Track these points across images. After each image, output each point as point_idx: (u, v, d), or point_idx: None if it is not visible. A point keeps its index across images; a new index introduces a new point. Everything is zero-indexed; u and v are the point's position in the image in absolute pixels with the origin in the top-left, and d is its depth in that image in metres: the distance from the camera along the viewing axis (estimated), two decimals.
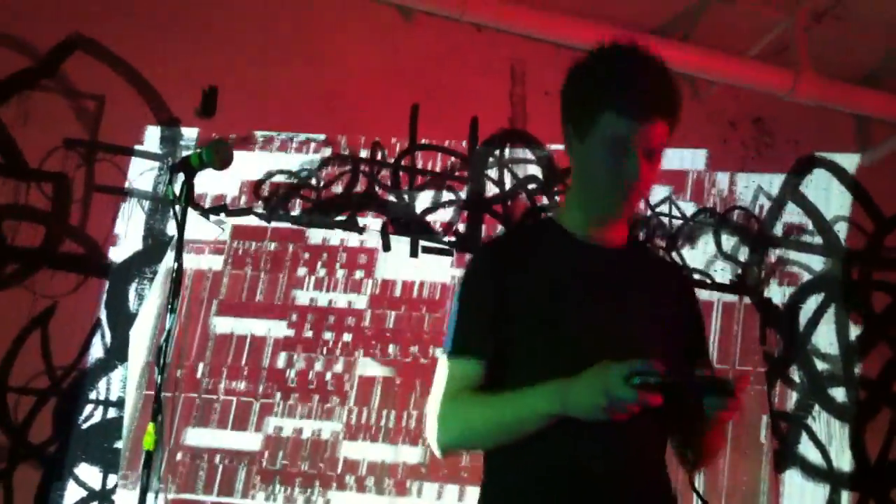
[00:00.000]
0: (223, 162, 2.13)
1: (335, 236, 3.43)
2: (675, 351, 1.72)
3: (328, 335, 3.34)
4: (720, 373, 1.72)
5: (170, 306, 1.94)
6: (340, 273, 3.42)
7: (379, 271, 3.42)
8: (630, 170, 1.67)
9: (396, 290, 3.41)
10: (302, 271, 3.41)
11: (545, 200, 3.49)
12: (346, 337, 3.35)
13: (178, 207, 2.08)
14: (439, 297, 3.40)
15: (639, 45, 1.73)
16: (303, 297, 3.38)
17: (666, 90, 1.70)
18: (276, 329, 3.34)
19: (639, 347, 1.65)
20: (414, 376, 3.31)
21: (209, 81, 3.48)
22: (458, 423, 1.70)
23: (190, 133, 3.48)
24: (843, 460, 3.40)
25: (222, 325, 3.33)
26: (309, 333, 3.35)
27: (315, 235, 3.44)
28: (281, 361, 3.31)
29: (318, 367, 3.32)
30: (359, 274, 3.42)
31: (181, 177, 2.13)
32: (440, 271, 3.41)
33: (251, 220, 3.43)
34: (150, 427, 1.90)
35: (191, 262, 3.31)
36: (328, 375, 3.31)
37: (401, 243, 3.43)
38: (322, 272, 3.42)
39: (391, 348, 3.35)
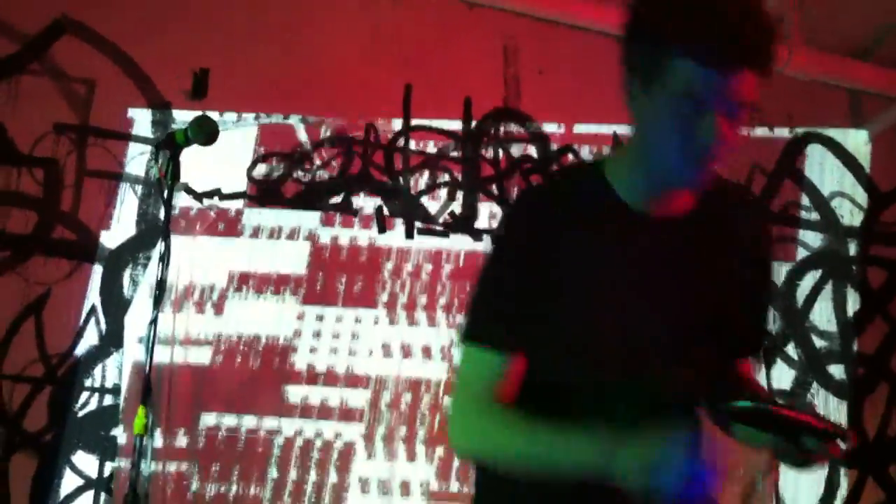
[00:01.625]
0: (208, 137, 2.11)
1: None
2: (725, 344, 1.52)
3: None
4: None
5: (156, 290, 1.92)
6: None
7: None
8: (706, 132, 1.37)
9: None
10: None
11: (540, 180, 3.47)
12: None
13: (164, 185, 2.04)
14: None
15: None
16: None
17: (760, 32, 1.36)
18: None
19: (678, 354, 1.46)
20: None
21: (200, 64, 3.45)
22: (483, 441, 1.49)
23: (181, 116, 3.44)
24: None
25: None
26: None
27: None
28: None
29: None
30: None
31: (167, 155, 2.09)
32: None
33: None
34: (140, 410, 1.88)
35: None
36: None
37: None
38: None
39: None
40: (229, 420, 3.21)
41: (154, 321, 1.93)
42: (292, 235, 3.40)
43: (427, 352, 3.30)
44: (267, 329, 3.30)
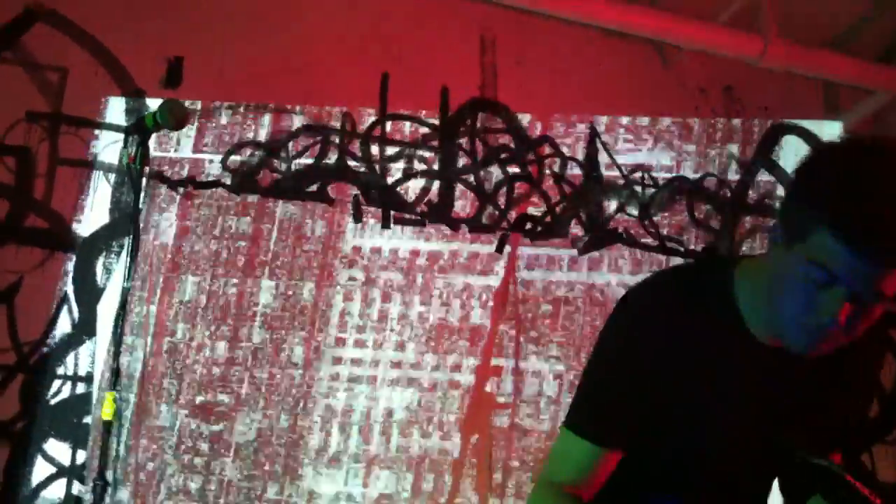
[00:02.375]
0: (178, 122, 2.09)
1: None
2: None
3: None
4: None
5: (126, 274, 1.90)
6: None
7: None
8: (829, 309, 1.29)
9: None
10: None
11: (517, 169, 3.46)
12: None
13: (132, 171, 2.01)
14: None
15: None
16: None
17: None
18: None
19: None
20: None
21: (174, 52, 3.42)
22: None
23: (155, 104, 3.40)
24: None
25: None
26: None
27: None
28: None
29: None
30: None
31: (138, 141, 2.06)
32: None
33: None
34: (109, 396, 1.85)
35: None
36: None
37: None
38: None
39: None
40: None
41: (123, 305, 1.91)
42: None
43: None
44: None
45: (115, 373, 1.88)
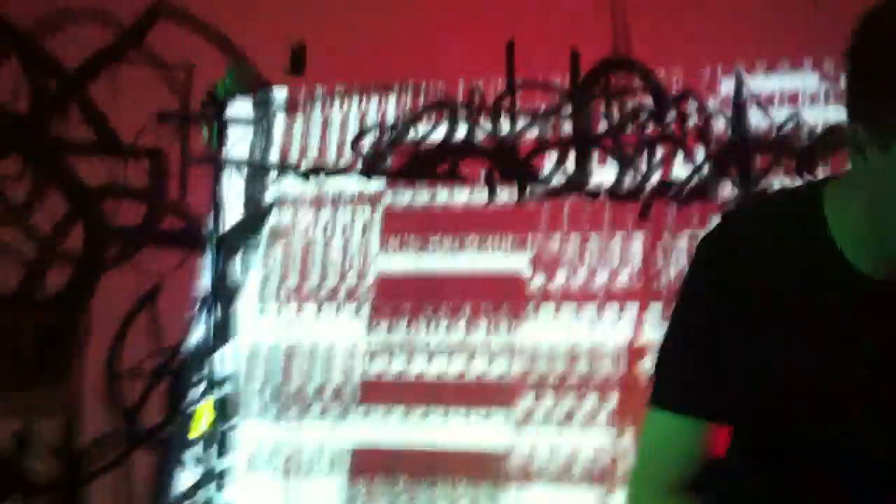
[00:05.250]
0: (248, 83, 1.98)
1: None
2: None
3: None
4: None
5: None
6: None
7: None
8: None
9: None
10: None
11: (657, 130, 3.26)
12: None
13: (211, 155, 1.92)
14: None
15: None
16: None
17: None
18: None
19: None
20: None
21: (296, 38, 3.37)
22: None
23: (281, 93, 3.38)
24: None
25: None
26: None
27: None
28: None
29: None
30: None
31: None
32: None
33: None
34: (199, 409, 1.77)
35: None
36: None
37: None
38: None
39: None
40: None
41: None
42: None
43: None
44: None
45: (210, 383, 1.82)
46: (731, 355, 1.22)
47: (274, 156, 3.36)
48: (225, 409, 3.02)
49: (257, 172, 3.33)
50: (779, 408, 1.24)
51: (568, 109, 3.30)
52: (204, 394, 3.00)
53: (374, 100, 3.39)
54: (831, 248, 1.22)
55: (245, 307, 3.22)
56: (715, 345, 1.23)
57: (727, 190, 3.17)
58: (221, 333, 3.19)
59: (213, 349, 3.08)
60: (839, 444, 1.23)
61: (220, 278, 3.14)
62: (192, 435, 1.78)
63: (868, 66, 1.14)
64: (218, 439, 3.02)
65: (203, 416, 1.78)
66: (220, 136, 1.95)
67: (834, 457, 1.23)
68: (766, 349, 1.22)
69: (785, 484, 1.26)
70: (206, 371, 3.15)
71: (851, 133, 1.18)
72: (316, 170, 3.35)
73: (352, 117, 3.38)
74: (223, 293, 3.22)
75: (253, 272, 3.26)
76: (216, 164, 3.33)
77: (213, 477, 3.04)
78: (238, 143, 3.35)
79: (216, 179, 3.32)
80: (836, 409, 1.23)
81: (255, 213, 3.29)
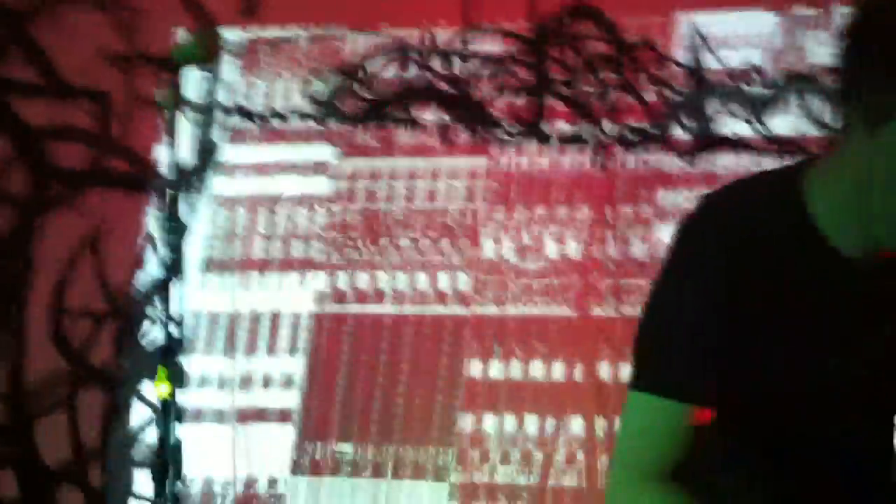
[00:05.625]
0: (209, 55, 1.92)
1: None
2: None
3: None
4: None
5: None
6: None
7: None
8: None
9: None
10: None
11: (614, 77, 3.23)
12: None
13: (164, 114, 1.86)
14: None
15: None
16: None
17: None
18: None
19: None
20: None
21: None
22: None
23: (233, 36, 3.32)
24: None
25: None
26: None
27: None
28: None
29: None
30: None
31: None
32: None
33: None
34: (161, 372, 1.71)
35: None
36: None
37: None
38: None
39: None
40: None
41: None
42: None
43: None
44: None
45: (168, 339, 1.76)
46: (716, 341, 1.20)
47: (224, 98, 3.30)
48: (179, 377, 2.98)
49: (207, 114, 3.27)
50: (761, 393, 1.22)
51: (525, 56, 3.27)
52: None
53: (327, 43, 3.33)
54: (814, 232, 1.20)
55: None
56: (700, 330, 1.21)
57: (683, 136, 3.16)
58: (170, 272, 3.13)
59: (162, 288, 3.02)
60: (824, 432, 1.22)
61: (167, 219, 3.08)
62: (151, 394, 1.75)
63: (868, 44, 1.13)
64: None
65: (161, 385, 1.73)
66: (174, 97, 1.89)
67: (817, 444, 1.22)
68: (751, 336, 1.20)
69: (768, 471, 1.25)
70: (156, 310, 3.10)
71: (842, 115, 1.17)
72: (265, 112, 3.29)
73: (303, 61, 3.33)
74: (170, 233, 3.15)
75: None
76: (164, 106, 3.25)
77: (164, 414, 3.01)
78: (188, 84, 3.28)
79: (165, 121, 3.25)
80: (822, 394, 1.21)
81: (204, 154, 3.23)
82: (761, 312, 1.20)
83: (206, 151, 3.21)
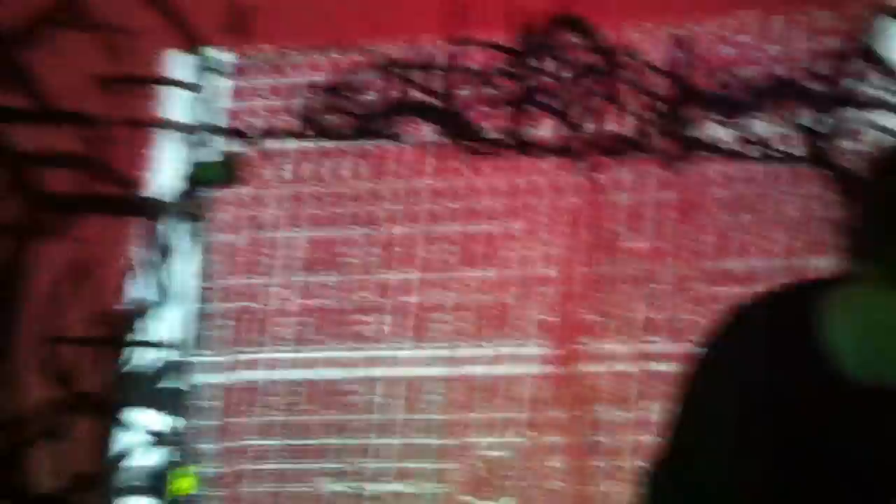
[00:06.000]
0: (231, 178, 1.95)
1: None
2: None
3: None
4: None
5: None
6: None
7: None
8: None
9: None
10: None
11: (600, 87, 3.24)
12: None
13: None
14: None
15: None
16: None
17: None
18: None
19: None
20: None
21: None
22: None
23: (222, 55, 3.35)
24: None
25: None
26: None
27: None
28: None
29: None
30: None
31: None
32: None
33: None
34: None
35: None
36: None
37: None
38: None
39: None
40: None
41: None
42: None
43: None
44: None
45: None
46: (735, 455, 1.24)
47: (214, 119, 3.33)
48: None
49: (197, 136, 3.29)
50: None
51: (511, 67, 3.29)
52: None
53: (317, 61, 3.35)
54: (831, 357, 1.21)
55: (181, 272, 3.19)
56: (723, 441, 1.24)
57: (667, 144, 3.18)
58: (159, 298, 3.17)
59: (152, 313, 3.06)
60: None
61: (157, 244, 3.11)
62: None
63: (887, 206, 1.14)
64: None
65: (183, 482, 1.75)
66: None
67: None
68: (766, 457, 1.23)
69: None
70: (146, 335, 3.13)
71: (859, 269, 1.19)
72: (258, 134, 3.32)
73: (294, 79, 3.35)
74: (160, 259, 3.19)
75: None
76: (155, 130, 3.28)
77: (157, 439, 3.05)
78: (178, 106, 3.31)
79: (155, 145, 3.28)
80: None
81: (195, 179, 3.25)
82: (780, 440, 1.22)
83: (197, 174, 3.23)
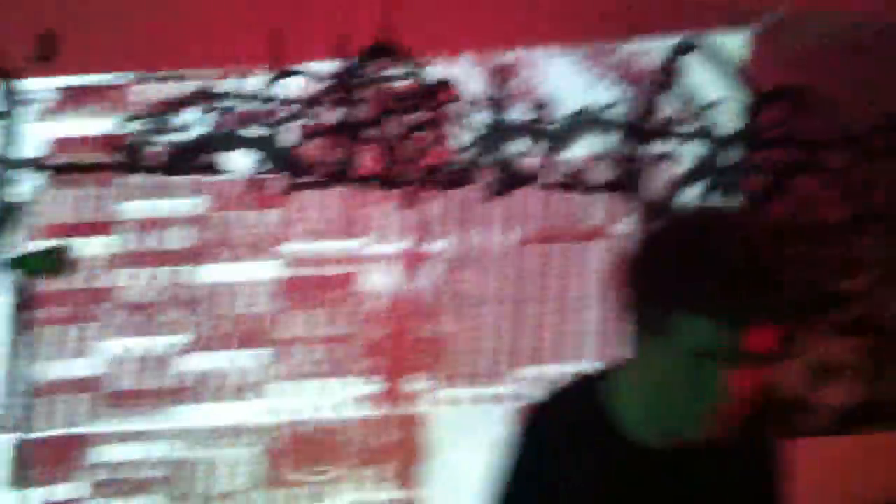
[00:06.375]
0: (58, 270, 1.91)
1: None
2: None
3: None
4: None
5: None
6: None
7: None
8: (719, 390, 1.28)
9: None
10: None
11: (421, 118, 3.33)
12: None
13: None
14: None
15: (728, 218, 1.35)
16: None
17: (776, 281, 1.26)
18: None
19: None
20: None
21: (45, 25, 3.18)
22: None
23: (30, 84, 3.21)
24: None
25: None
26: None
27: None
28: None
29: None
30: None
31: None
32: None
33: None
34: None
35: None
36: None
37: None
38: None
39: None
40: None
41: None
42: None
43: None
44: None
45: None
46: None
47: (22, 151, 3.19)
48: None
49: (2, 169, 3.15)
50: None
51: (335, 97, 3.31)
52: None
53: (133, 90, 3.27)
54: (619, 430, 1.42)
55: None
56: None
57: (488, 174, 3.30)
58: None
59: None
60: None
61: None
62: None
63: (643, 270, 1.36)
64: None
65: None
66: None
67: None
68: None
69: None
70: None
71: (632, 329, 1.39)
72: (69, 165, 3.20)
73: (107, 109, 3.25)
74: None
75: None
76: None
77: None
78: None
79: None
80: None
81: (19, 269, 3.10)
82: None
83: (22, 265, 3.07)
